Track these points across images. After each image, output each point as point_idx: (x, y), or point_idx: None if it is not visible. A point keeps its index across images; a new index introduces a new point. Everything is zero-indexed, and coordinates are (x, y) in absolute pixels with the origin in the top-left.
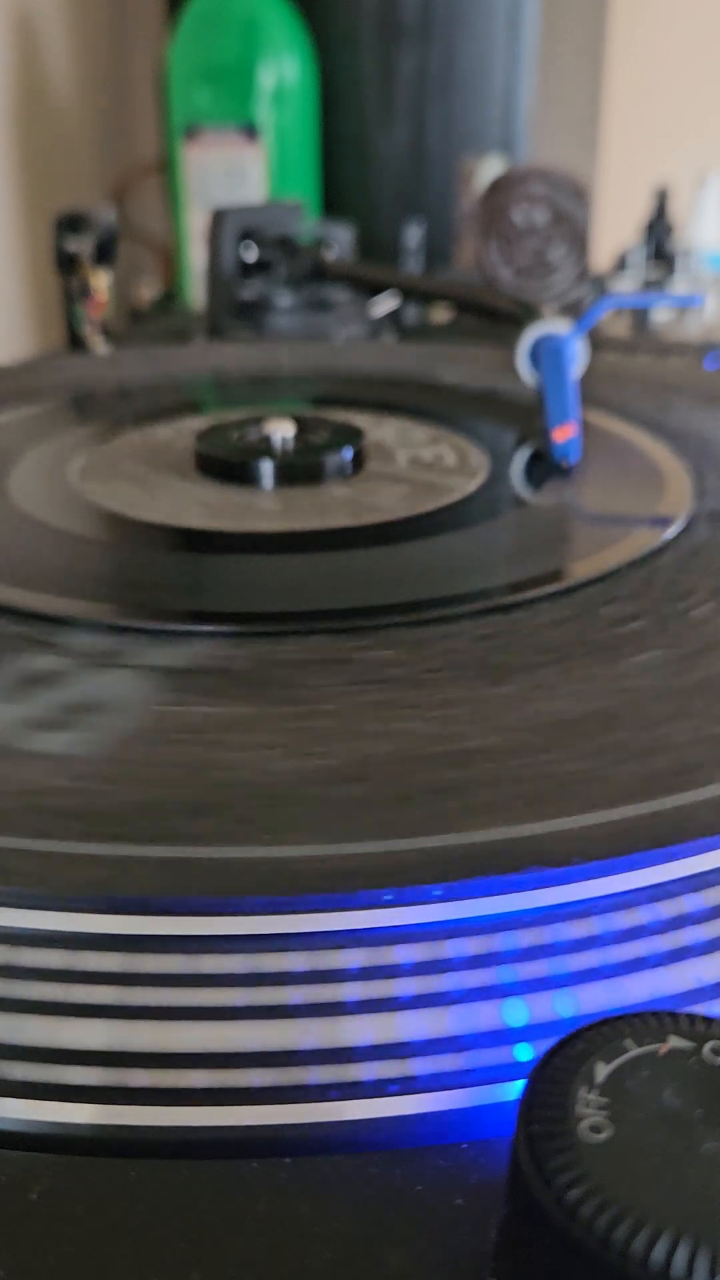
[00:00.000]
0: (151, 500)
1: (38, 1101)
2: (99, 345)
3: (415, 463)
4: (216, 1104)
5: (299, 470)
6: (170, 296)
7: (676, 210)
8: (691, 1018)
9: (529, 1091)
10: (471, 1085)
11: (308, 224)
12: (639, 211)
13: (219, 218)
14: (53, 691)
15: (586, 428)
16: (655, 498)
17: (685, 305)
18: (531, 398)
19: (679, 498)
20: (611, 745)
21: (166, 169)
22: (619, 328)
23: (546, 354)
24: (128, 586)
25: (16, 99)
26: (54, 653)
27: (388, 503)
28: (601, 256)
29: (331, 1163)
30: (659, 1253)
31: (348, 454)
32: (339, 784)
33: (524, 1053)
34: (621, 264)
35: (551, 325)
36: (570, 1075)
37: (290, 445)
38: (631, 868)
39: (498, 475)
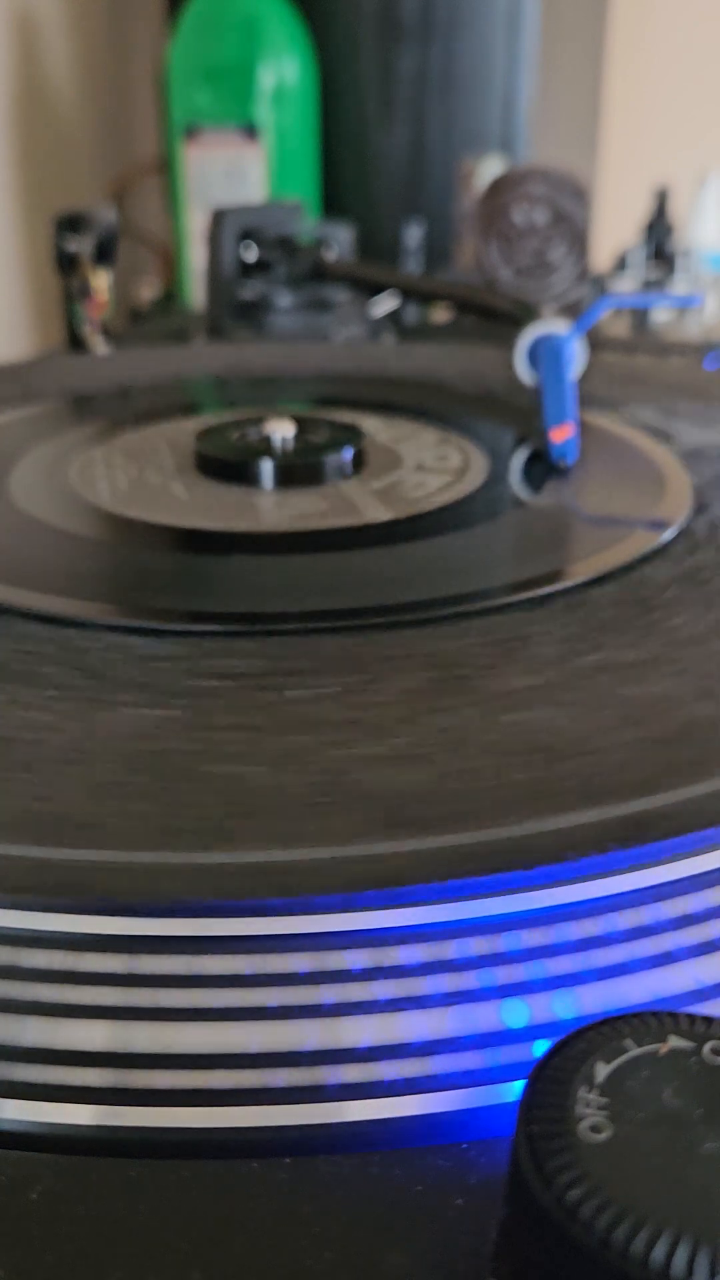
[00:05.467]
0: (151, 500)
1: (38, 1102)
2: (99, 345)
3: (414, 463)
4: (216, 1104)
5: (299, 470)
6: (170, 296)
7: (676, 210)
8: (691, 1018)
9: (529, 1091)
10: (471, 1085)
11: (308, 224)
12: (639, 211)
13: (219, 218)
14: (50, 692)
15: (586, 428)
16: (655, 499)
17: (685, 305)
18: (530, 398)
19: (678, 499)
20: (608, 743)
21: (166, 169)
22: (619, 328)
23: (545, 354)
24: (128, 586)
25: (16, 99)
26: (51, 653)
27: (387, 503)
28: (601, 256)
29: (331, 1163)
30: (659, 1253)
31: (348, 454)
32: (339, 784)
33: (524, 1053)
34: (621, 264)
35: (550, 325)
36: (570, 1075)
37: (290, 445)
38: (629, 866)
39: (496, 476)
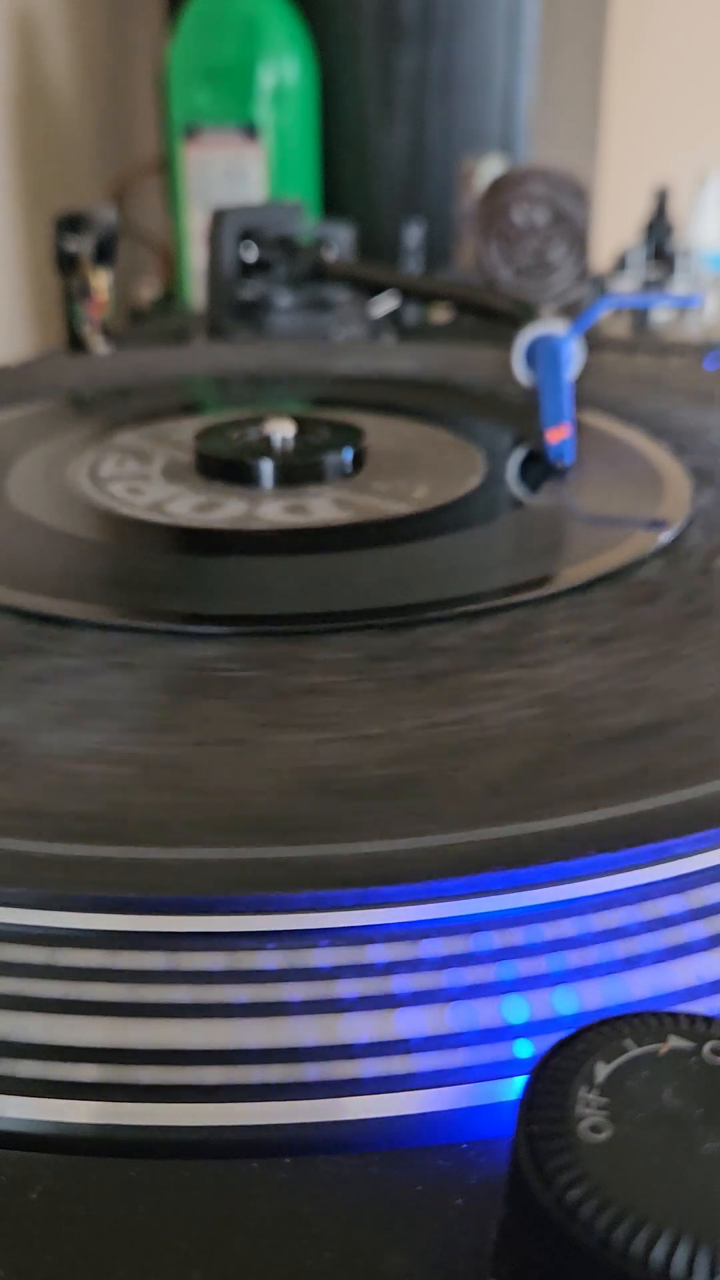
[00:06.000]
0: (151, 500)
1: (38, 1101)
2: (99, 345)
3: (413, 463)
4: (216, 1103)
5: (299, 470)
6: (170, 296)
7: (676, 210)
8: (691, 1018)
9: (529, 1091)
10: (472, 1084)
11: (308, 224)
12: (639, 211)
13: (219, 218)
14: (51, 692)
15: (585, 428)
16: (654, 499)
17: (684, 305)
18: (529, 398)
19: (678, 499)
20: (610, 743)
21: (166, 169)
22: (619, 328)
23: (543, 354)
24: (127, 586)
25: (16, 99)
26: (53, 653)
27: (386, 503)
28: (601, 256)
29: (331, 1163)
30: (659, 1253)
31: (347, 454)
32: (336, 784)
33: (524, 1052)
34: (621, 264)
35: (548, 325)
36: (570, 1075)
37: (290, 445)
38: (631, 865)
39: (494, 476)
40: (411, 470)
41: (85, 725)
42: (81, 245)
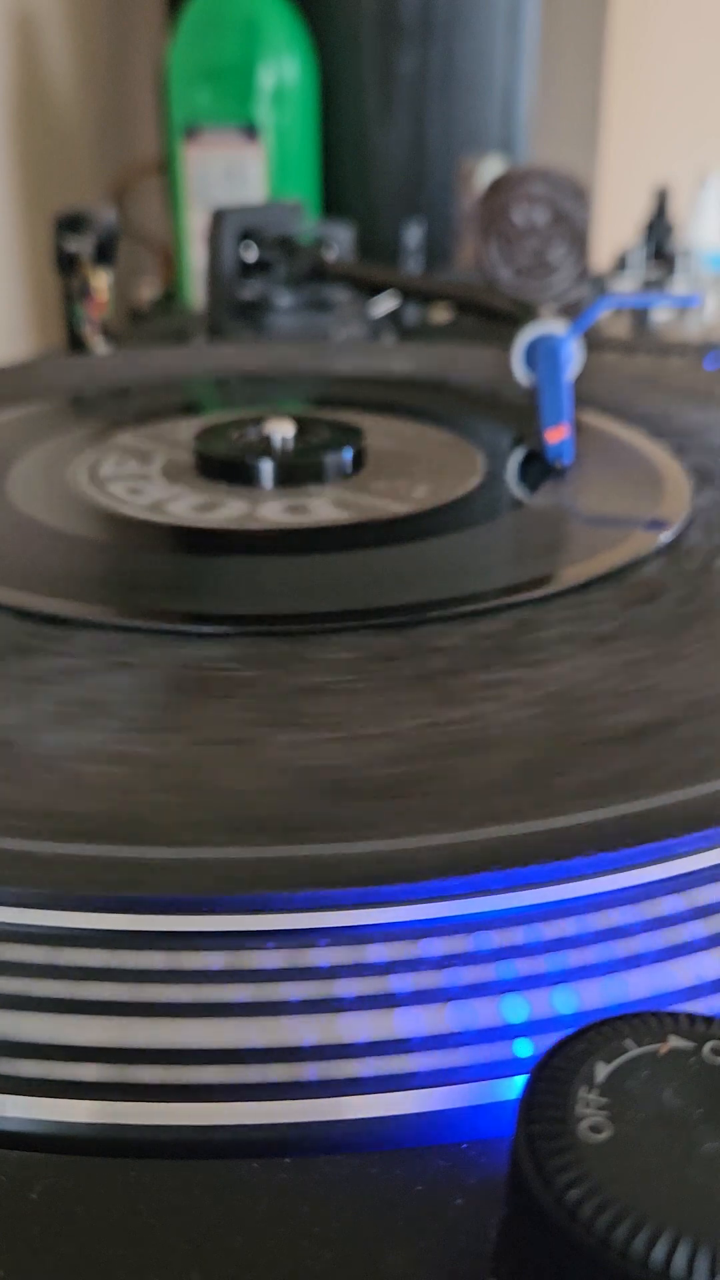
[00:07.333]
0: (151, 500)
1: (38, 1100)
2: (99, 345)
3: (413, 463)
4: (216, 1103)
5: (299, 470)
6: (170, 296)
7: (676, 210)
8: (691, 1018)
9: (529, 1091)
10: (472, 1084)
11: (308, 224)
12: (639, 211)
13: (219, 218)
14: (52, 692)
15: (585, 428)
16: (654, 499)
17: (684, 305)
18: (529, 398)
19: (677, 499)
20: (610, 743)
21: (166, 169)
22: (619, 328)
23: (542, 354)
24: (128, 586)
25: (16, 99)
26: (53, 653)
27: (386, 503)
28: (601, 256)
29: (331, 1163)
30: (659, 1253)
31: (347, 454)
32: (336, 783)
33: (524, 1051)
34: (621, 264)
35: (548, 325)
36: (570, 1075)
37: (290, 445)
38: (631, 864)
39: (494, 476)
40: (411, 470)
41: (86, 725)
42: (81, 245)
